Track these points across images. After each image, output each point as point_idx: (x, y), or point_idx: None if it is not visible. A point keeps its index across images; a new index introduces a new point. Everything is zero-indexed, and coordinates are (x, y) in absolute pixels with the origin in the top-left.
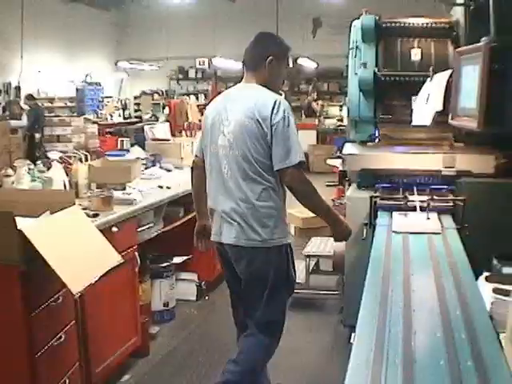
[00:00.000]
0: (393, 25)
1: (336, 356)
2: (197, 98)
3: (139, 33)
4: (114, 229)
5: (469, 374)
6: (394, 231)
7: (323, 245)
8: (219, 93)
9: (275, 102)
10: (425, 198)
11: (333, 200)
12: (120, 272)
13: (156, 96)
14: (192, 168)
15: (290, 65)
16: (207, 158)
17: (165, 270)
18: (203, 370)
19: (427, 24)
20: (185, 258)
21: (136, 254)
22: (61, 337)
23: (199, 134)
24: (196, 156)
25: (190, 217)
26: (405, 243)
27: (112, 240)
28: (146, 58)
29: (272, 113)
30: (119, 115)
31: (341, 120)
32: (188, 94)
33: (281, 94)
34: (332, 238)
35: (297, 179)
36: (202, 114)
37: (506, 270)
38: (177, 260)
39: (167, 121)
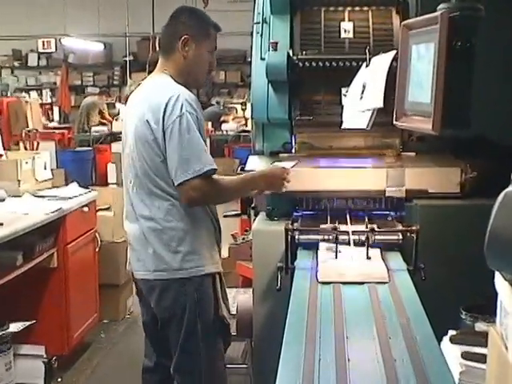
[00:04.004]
0: None
1: None
2: (40, 95)
3: None
4: None
5: None
6: (320, 281)
7: None
8: (68, 87)
9: (170, 99)
10: (362, 229)
11: (234, 236)
12: None
13: None
14: None
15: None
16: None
17: None
18: None
19: None
20: (26, 323)
21: None
22: None
23: (47, 145)
24: None
25: (32, 264)
26: (336, 295)
27: None
28: None
29: (165, 113)
30: None
31: (245, 124)
32: (28, 90)
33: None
34: (234, 290)
35: (202, 195)
36: (49, 118)
37: (479, 326)
38: (15, 327)
39: None
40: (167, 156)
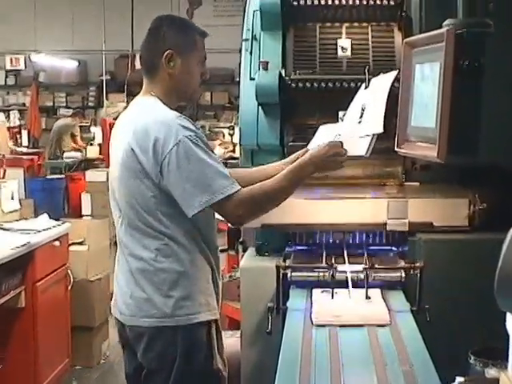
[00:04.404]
0: (308, 3)
1: None
2: (7, 117)
3: None
4: None
5: None
6: (314, 324)
7: None
8: (39, 108)
9: (160, 126)
10: (361, 266)
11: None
12: None
13: None
14: None
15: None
16: None
17: None
18: None
19: (361, 0)
20: None
21: None
22: None
23: (15, 172)
24: None
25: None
26: (332, 339)
27: None
28: None
29: (156, 143)
30: None
31: (232, 150)
32: None
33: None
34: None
35: (240, 215)
36: (17, 143)
37: (490, 372)
38: None
39: None
40: (170, 190)
